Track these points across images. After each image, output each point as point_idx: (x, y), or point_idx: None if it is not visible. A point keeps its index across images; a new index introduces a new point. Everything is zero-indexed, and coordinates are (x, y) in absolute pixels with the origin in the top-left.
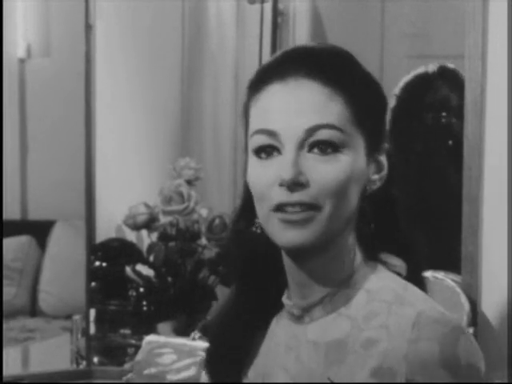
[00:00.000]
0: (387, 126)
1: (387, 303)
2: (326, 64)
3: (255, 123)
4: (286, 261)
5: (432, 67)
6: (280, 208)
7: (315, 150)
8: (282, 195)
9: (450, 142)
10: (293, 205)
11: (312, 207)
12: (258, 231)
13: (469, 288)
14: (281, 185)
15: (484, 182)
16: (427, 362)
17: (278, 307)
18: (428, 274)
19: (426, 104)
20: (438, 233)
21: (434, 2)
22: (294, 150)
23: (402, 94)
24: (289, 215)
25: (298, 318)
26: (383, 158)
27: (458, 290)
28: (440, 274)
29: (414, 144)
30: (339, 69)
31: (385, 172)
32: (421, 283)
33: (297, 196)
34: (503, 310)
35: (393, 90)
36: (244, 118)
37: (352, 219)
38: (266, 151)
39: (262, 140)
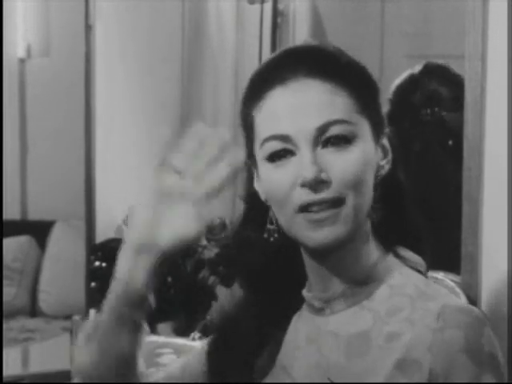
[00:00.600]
0: (382, 109)
1: (411, 298)
2: (323, 60)
3: (264, 131)
4: (306, 258)
5: (418, 67)
6: (305, 208)
7: (329, 146)
8: (305, 195)
9: (447, 138)
10: (318, 203)
11: (336, 203)
12: (271, 238)
13: (469, 288)
14: (303, 185)
15: (484, 182)
16: (451, 349)
17: (297, 304)
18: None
19: (418, 102)
20: (437, 233)
21: (433, 1)
22: (309, 149)
23: (395, 98)
24: (315, 215)
25: (319, 311)
26: (386, 142)
27: (458, 289)
28: (440, 274)
29: (411, 143)
30: (335, 63)
31: (390, 156)
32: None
33: (321, 194)
34: (503, 310)
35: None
36: (245, 129)
37: (369, 208)
38: (279, 155)
39: (275, 145)
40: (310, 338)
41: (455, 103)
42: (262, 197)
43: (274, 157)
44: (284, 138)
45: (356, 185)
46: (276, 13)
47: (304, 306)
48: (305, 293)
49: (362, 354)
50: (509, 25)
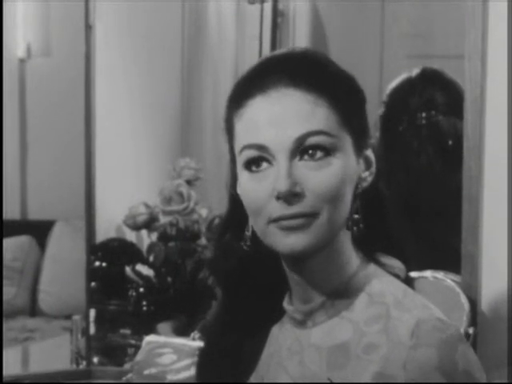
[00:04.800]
0: (368, 120)
1: (386, 306)
2: (306, 71)
3: (242, 139)
4: (286, 268)
5: (415, 71)
6: (277, 220)
7: (306, 157)
8: (279, 208)
9: (442, 141)
10: (291, 217)
11: (310, 215)
12: (246, 246)
13: (469, 288)
14: (278, 198)
15: (484, 182)
16: (425, 367)
17: (278, 313)
18: (428, 274)
19: (414, 106)
20: (437, 233)
21: (434, 1)
22: (285, 160)
23: (389, 100)
24: (287, 222)
25: (301, 323)
26: (370, 153)
27: (458, 289)
28: (440, 274)
29: (406, 146)
30: (318, 73)
31: (374, 167)
32: (409, 281)
33: (295, 208)
34: (503, 310)
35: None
36: (228, 134)
37: (347, 219)
38: (257, 163)
39: (252, 154)
40: (292, 351)
41: (450, 108)
42: (243, 202)
43: (252, 164)
44: (261, 148)
45: (332, 199)
46: (276, 13)
47: (285, 318)
48: (286, 305)
49: (342, 365)
50: (509, 25)
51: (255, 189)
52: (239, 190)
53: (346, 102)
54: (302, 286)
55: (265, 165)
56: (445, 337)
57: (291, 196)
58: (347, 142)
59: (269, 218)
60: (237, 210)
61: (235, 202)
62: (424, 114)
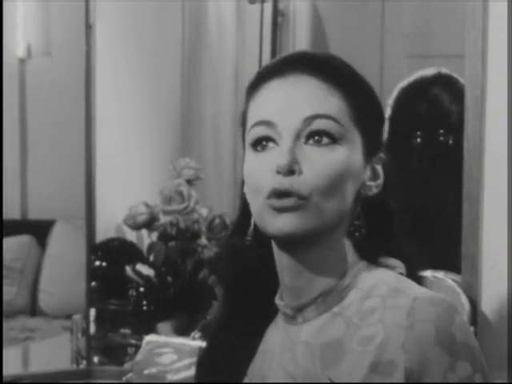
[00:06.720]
0: (384, 137)
1: (382, 297)
2: (325, 64)
3: (253, 117)
4: (279, 262)
5: (429, 72)
6: (272, 195)
7: (311, 142)
8: (276, 182)
9: (448, 158)
10: (284, 193)
11: (302, 197)
12: (247, 241)
13: (469, 288)
14: (277, 171)
15: (484, 181)
16: (423, 343)
17: (274, 311)
18: (428, 273)
19: (425, 113)
20: (438, 233)
21: (434, 1)
22: (290, 140)
23: (396, 105)
24: (278, 201)
25: (291, 318)
26: (379, 167)
27: (458, 289)
28: (440, 274)
29: (411, 150)
30: (338, 69)
31: (381, 181)
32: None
33: (289, 182)
34: (503, 310)
35: (391, 93)
36: (242, 126)
37: (345, 217)
38: (263, 144)
39: (260, 131)
40: (284, 347)
41: (461, 125)
42: (246, 181)
43: (257, 145)
44: (269, 124)
45: (328, 186)
46: (276, 13)
47: (279, 314)
48: (277, 301)
49: (337, 361)
50: (509, 25)
51: (258, 166)
52: (244, 170)
53: (361, 103)
54: (293, 285)
55: (271, 145)
56: (441, 310)
57: (288, 172)
58: (356, 137)
59: (265, 193)
60: (247, 213)
61: (246, 204)
62: (440, 131)
